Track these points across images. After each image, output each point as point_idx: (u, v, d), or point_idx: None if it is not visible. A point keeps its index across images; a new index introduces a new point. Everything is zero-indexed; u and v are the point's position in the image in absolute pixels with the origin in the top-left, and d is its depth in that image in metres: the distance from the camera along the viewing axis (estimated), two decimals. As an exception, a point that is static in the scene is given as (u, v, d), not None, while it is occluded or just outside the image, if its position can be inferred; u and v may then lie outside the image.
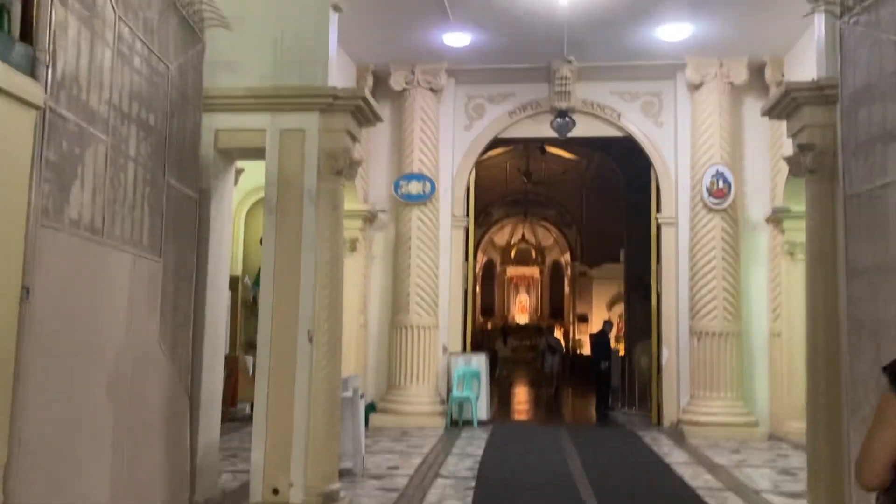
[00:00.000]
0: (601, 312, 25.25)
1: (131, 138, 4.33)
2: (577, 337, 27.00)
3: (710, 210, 10.53)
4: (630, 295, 18.48)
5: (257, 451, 5.60)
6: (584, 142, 16.55)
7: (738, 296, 10.56)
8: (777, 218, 10.41)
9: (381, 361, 11.29)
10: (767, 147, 10.80)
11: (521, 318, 31.96)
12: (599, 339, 14.69)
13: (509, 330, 30.47)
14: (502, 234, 31.13)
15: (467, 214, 11.78)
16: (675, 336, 11.04)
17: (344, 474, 6.91)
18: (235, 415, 10.70)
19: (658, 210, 11.40)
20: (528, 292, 32.22)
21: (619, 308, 23.56)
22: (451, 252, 11.48)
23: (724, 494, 6.62)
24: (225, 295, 6.15)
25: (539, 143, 11.83)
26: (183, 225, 5.19)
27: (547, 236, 30.94)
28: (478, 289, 28.80)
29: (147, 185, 4.57)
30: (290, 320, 5.69)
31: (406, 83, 11.16)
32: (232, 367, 11.11)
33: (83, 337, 3.82)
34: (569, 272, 29.44)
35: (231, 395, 10.76)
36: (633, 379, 14.12)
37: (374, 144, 11.53)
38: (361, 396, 7.51)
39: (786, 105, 5.83)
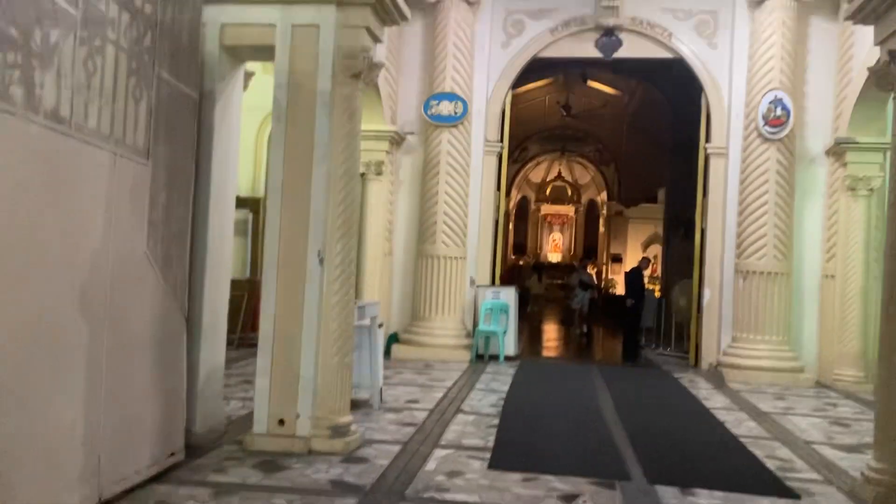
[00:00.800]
0: (636, 253, 24.57)
1: (110, 17, 3.74)
2: (610, 277, 26.31)
3: (766, 140, 9.69)
4: (669, 233, 17.68)
5: (262, 379, 5.14)
6: (631, 68, 15.60)
7: (789, 234, 9.79)
8: (839, 150, 9.55)
9: (406, 291, 10.80)
10: (833, 72, 9.87)
11: (554, 257, 31.43)
12: (632, 277, 14.00)
13: (542, 268, 30.04)
14: (538, 171, 30.45)
15: (501, 140, 11.07)
16: (718, 276, 10.35)
17: (360, 406, 6.48)
18: (256, 340, 10.36)
19: (708, 140, 10.58)
20: (561, 231, 31.70)
21: (655, 249, 23.45)
22: (483, 180, 10.82)
23: (772, 444, 6.05)
24: (231, 210, 5.61)
25: (581, 66, 11.00)
26: (179, 127, 4.62)
27: (584, 174, 30.20)
28: (510, 226, 28.63)
29: (132, 76, 3.99)
30: (299, 239, 5.14)
31: (439, -6, 10.36)
32: (253, 290, 10.73)
33: (45, 245, 3.30)
34: (604, 211, 28.73)
35: (252, 320, 10.40)
36: (669, 320, 13.51)
37: (404, 61, 10.81)
38: (381, 325, 7.02)
39: (876, 6, 5.01)
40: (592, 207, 30.59)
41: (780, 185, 9.68)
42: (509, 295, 10.64)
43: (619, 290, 22.44)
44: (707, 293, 10.46)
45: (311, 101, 5.18)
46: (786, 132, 9.61)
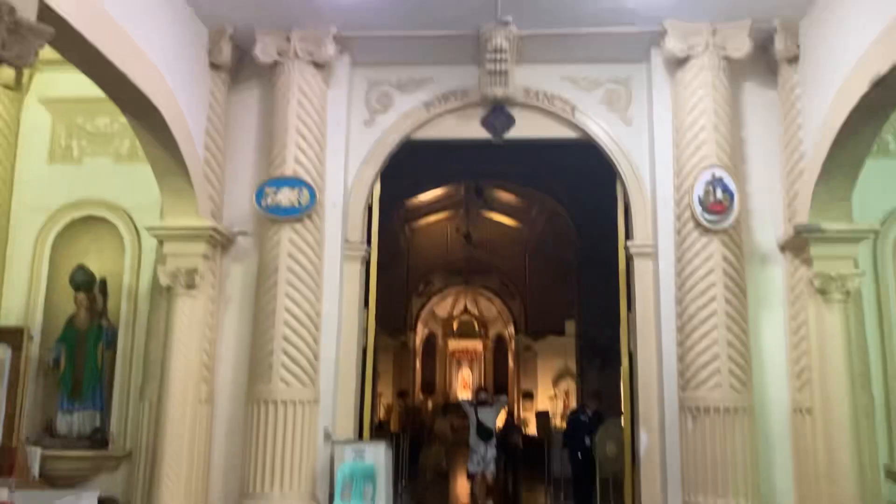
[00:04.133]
0: (547, 389, 24.35)
1: None
2: (522, 415, 24.41)
3: (706, 231, 7.39)
4: (583, 366, 15.19)
5: None
6: (527, 177, 13.82)
7: (747, 355, 7.33)
8: (799, 242, 7.34)
9: (233, 453, 7.67)
10: (779, 147, 7.83)
11: (465, 395, 29.37)
12: (575, 421, 11.42)
13: (450, 408, 28.04)
14: (444, 306, 29.34)
15: (368, 242, 8.45)
16: (657, 414, 7.72)
17: None
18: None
19: (628, 237, 8.26)
20: (471, 367, 30.16)
21: (566, 384, 22.91)
22: (343, 294, 8.07)
23: None
24: None
25: (466, 143, 8.60)
26: None
27: (490, 307, 29.09)
28: (418, 364, 27.67)
29: None
30: None
31: (279, 53, 7.93)
32: (6, 464, 7.42)
33: None
34: (513, 346, 27.60)
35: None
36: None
37: (234, 138, 8.26)
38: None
39: None
40: (501, 342, 29.46)
41: (730, 290, 7.31)
42: (378, 454, 7.54)
43: (532, 429, 21.12)
44: (644, 438, 7.78)
45: None
46: (731, 220, 7.37)
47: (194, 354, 7.46)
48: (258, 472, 7.31)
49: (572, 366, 22.38)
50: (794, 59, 7.60)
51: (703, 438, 7.13)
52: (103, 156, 8.72)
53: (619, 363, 8.50)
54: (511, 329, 27.58)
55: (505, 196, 19.03)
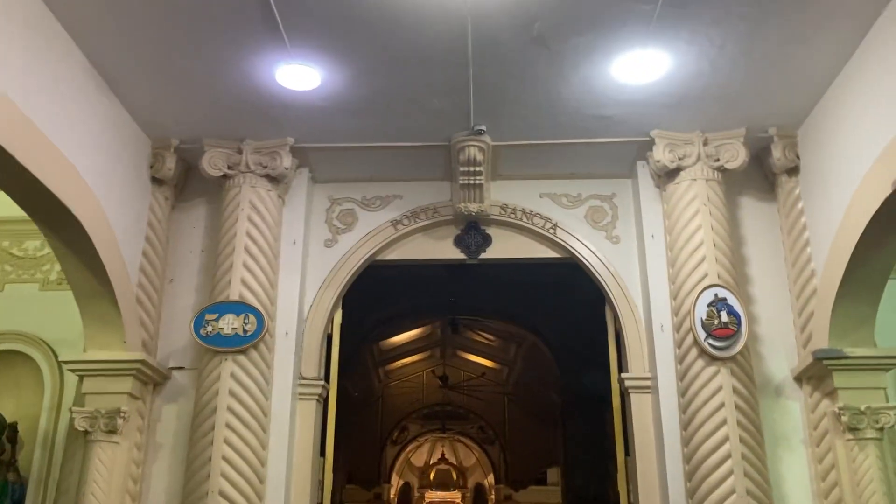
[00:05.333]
0: None
1: None
2: None
3: (713, 359, 6.43)
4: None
5: None
6: (505, 308, 12.96)
7: (769, 505, 6.21)
8: (818, 371, 6.39)
9: None
10: (784, 266, 7.06)
11: None
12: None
13: None
14: (420, 454, 28.00)
15: (326, 379, 7.38)
16: (666, 583, 6.47)
17: None
18: None
19: (622, 369, 7.28)
20: None
21: None
22: (295, 440, 6.91)
23: None
24: None
25: (437, 262, 7.79)
26: None
27: (468, 455, 27.89)
28: None
29: None
30: None
31: (229, 167, 7.17)
32: None
33: None
34: (493, 496, 26.16)
35: None
36: None
37: (174, 260, 7.34)
38: None
39: None
40: (480, 492, 27.93)
41: (744, 428, 6.26)
42: None
43: None
44: None
45: None
46: (740, 346, 6.43)
47: (109, 515, 6.16)
48: None
49: (557, 519, 21.76)
50: (794, 171, 6.98)
51: None
52: (29, 282, 7.74)
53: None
54: (491, 478, 26.22)
55: (481, 338, 18.30)
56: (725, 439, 6.19)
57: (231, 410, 6.41)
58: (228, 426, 6.36)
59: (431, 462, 28.04)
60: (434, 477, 28.03)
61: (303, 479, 6.86)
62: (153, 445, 6.74)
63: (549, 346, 14.11)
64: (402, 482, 27.56)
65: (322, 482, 7.14)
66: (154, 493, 6.64)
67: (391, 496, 26.20)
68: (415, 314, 14.24)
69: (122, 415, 6.31)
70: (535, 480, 23.08)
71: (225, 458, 6.27)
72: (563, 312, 11.89)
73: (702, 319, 6.49)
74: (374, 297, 8.87)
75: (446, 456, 27.86)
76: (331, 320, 7.51)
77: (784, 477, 6.49)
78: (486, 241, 7.64)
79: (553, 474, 22.19)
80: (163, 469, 6.70)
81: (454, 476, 28.03)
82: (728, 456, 6.14)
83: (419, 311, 13.93)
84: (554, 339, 13.47)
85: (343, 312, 7.64)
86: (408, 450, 26.92)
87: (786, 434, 6.62)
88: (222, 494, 6.18)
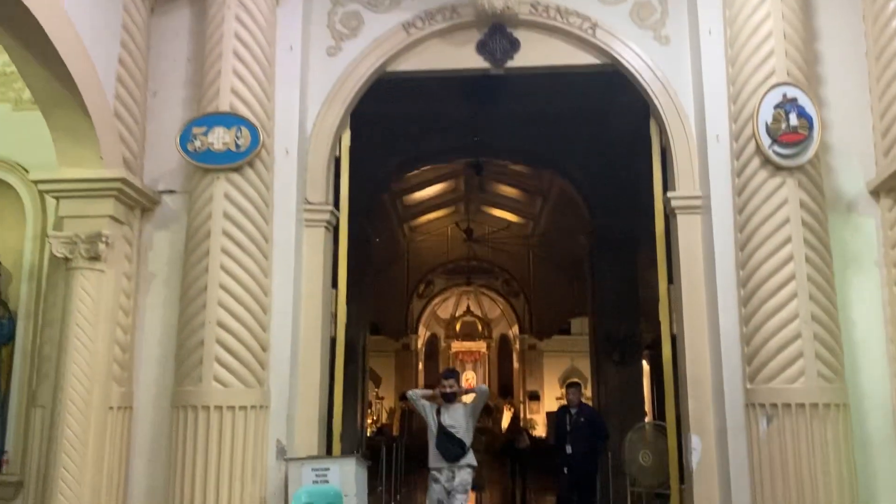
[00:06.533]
0: (553, 389, 24.00)
1: None
2: (529, 417, 23.77)
3: (778, 169, 5.54)
4: (598, 362, 13.36)
5: None
6: (532, 148, 12.04)
7: (837, 333, 5.49)
8: (902, 182, 5.51)
9: (156, 474, 5.84)
10: (863, 64, 5.99)
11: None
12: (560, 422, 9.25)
13: None
14: (446, 307, 28.47)
15: (336, 203, 6.62)
16: (711, 414, 5.90)
17: None
18: None
19: (668, 188, 6.43)
20: (475, 369, 28.87)
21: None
22: (301, 267, 6.25)
23: None
24: None
25: (457, 73, 6.83)
26: None
27: (493, 307, 28.19)
28: (420, 366, 26.97)
29: None
30: None
31: (212, -41, 6.12)
32: None
33: None
34: (517, 346, 26.84)
35: None
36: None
37: (159, 71, 6.43)
38: None
39: None
40: (505, 342, 28.38)
41: (812, 247, 5.46)
42: (346, 474, 5.68)
43: (540, 430, 20.85)
44: (696, 444, 5.93)
45: None
46: (810, 154, 5.52)
47: (101, 346, 5.62)
48: (187, 499, 5.47)
49: (579, 365, 21.93)
50: (880, -51, 5.77)
51: (783, 444, 5.27)
52: (1, 101, 6.90)
53: (639, 357, 6.77)
54: (515, 329, 26.60)
55: (507, 190, 17.61)
56: (789, 258, 5.40)
57: (227, 234, 5.71)
58: (225, 251, 5.68)
59: (457, 314, 28.40)
60: (460, 328, 28.53)
61: (313, 310, 6.25)
62: (145, 275, 6.12)
63: (579, 189, 13.26)
64: (428, 334, 28.20)
65: (335, 315, 6.54)
66: (149, 326, 6.08)
67: (418, 346, 26.82)
68: (436, 157, 13.37)
69: (104, 239, 5.62)
70: (560, 331, 23.73)
71: (223, 286, 5.63)
72: (597, 148, 10.99)
73: (767, 124, 5.54)
74: (391, 137, 7.89)
75: (472, 308, 28.18)
76: (338, 140, 6.67)
77: (853, 301, 5.73)
78: (514, 45, 6.60)
79: (577, 324, 22.56)
80: (157, 301, 6.10)
81: (479, 327, 28.42)
82: (792, 277, 5.38)
83: (442, 153, 13.05)
84: (584, 181, 12.60)
85: (355, 148, 6.75)
86: (434, 303, 27.24)
87: (857, 254, 5.80)
88: (221, 324, 5.58)
